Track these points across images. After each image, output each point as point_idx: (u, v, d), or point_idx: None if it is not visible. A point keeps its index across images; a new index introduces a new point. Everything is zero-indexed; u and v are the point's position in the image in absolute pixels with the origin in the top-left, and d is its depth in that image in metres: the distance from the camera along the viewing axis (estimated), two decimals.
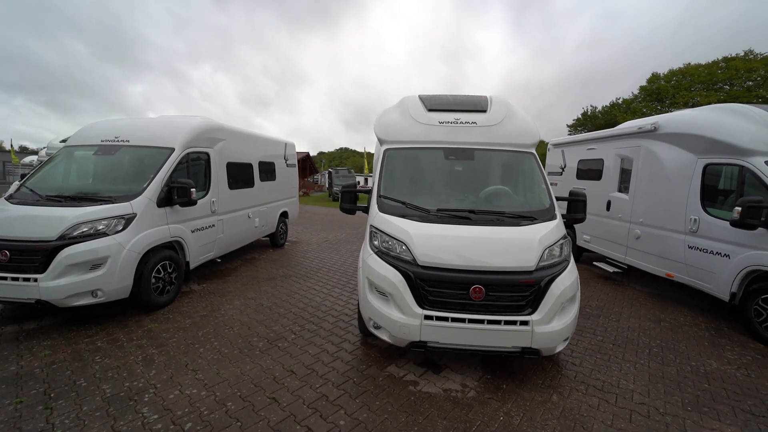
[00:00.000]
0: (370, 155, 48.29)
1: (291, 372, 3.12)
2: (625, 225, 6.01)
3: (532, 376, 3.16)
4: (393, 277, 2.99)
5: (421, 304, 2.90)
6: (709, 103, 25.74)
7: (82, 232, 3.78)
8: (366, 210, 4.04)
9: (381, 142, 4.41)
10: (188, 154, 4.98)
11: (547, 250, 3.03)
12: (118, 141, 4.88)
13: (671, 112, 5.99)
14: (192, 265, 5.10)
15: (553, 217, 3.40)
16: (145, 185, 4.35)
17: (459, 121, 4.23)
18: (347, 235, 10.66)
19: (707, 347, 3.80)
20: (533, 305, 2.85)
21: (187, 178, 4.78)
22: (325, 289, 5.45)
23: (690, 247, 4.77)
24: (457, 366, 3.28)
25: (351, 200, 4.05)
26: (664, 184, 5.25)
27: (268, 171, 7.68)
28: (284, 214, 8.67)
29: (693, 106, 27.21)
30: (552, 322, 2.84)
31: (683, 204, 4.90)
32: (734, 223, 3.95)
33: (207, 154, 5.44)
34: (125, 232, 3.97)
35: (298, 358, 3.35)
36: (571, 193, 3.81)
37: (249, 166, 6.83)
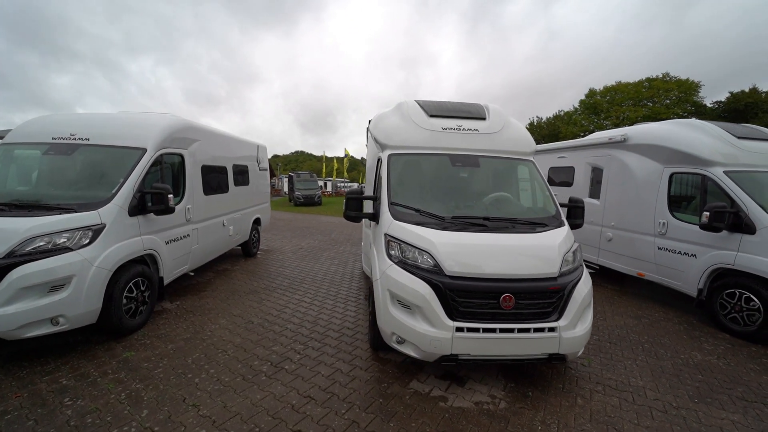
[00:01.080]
0: (329, 159, 47.67)
1: (309, 398, 2.84)
2: (597, 228, 6.47)
3: (552, 381, 3.21)
4: (421, 288, 2.86)
5: (451, 315, 2.81)
6: (637, 117, 29.14)
7: (37, 247, 3.15)
8: (372, 217, 3.86)
9: (382, 147, 4.26)
10: (162, 155, 4.41)
11: (565, 257, 3.10)
12: (75, 139, 4.17)
13: (606, 123, 6.59)
14: (166, 281, 4.51)
15: (561, 224, 3.51)
16: (114, 191, 3.75)
17: (461, 128, 4.23)
18: (320, 242, 10.28)
19: (687, 340, 4.16)
20: (560, 311, 2.89)
21: (162, 183, 4.23)
22: (317, 301, 5.14)
23: (659, 249, 5.24)
24: (479, 376, 3.23)
25: (357, 207, 3.84)
26: (633, 191, 5.73)
27: (241, 175, 7.13)
28: (257, 221, 8.12)
29: (624, 119, 30.64)
30: (576, 327, 2.90)
31: (652, 209, 5.39)
32: (703, 227, 4.40)
33: (181, 155, 4.87)
34: (93, 246, 3.38)
35: (311, 382, 3.07)
36: (570, 200, 3.97)
37: (223, 169, 6.28)
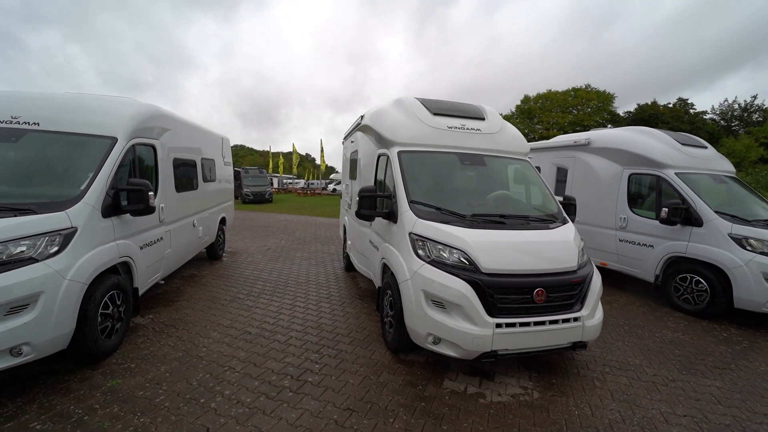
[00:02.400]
0: (276, 155, 45.32)
1: (350, 410, 2.66)
2: None
3: (567, 367, 3.43)
4: (461, 287, 2.85)
5: (490, 312, 2.84)
6: (564, 123, 32.62)
7: None
8: (387, 216, 3.75)
9: (389, 143, 4.16)
10: (133, 146, 3.76)
11: (580, 250, 3.33)
12: (19, 123, 3.35)
13: (538, 127, 7.35)
14: (141, 292, 3.88)
15: (566, 221, 3.76)
16: (83, 188, 3.11)
17: (465, 127, 4.31)
18: (287, 241, 9.76)
19: (653, 320, 4.77)
20: (582, 302, 3.10)
21: (138, 178, 3.61)
22: (311, 305, 4.85)
23: (621, 241, 5.92)
24: (503, 369, 3.33)
25: (371, 206, 3.70)
26: (596, 189, 6.38)
27: (209, 170, 6.43)
28: (223, 221, 7.41)
29: (553, 124, 34.02)
30: (595, 316, 3.14)
31: (613, 205, 6.05)
32: (662, 221, 5.06)
33: (153, 147, 4.22)
34: (63, 255, 2.76)
35: (344, 393, 2.88)
36: (564, 198, 4.27)
37: (193, 163, 5.59)
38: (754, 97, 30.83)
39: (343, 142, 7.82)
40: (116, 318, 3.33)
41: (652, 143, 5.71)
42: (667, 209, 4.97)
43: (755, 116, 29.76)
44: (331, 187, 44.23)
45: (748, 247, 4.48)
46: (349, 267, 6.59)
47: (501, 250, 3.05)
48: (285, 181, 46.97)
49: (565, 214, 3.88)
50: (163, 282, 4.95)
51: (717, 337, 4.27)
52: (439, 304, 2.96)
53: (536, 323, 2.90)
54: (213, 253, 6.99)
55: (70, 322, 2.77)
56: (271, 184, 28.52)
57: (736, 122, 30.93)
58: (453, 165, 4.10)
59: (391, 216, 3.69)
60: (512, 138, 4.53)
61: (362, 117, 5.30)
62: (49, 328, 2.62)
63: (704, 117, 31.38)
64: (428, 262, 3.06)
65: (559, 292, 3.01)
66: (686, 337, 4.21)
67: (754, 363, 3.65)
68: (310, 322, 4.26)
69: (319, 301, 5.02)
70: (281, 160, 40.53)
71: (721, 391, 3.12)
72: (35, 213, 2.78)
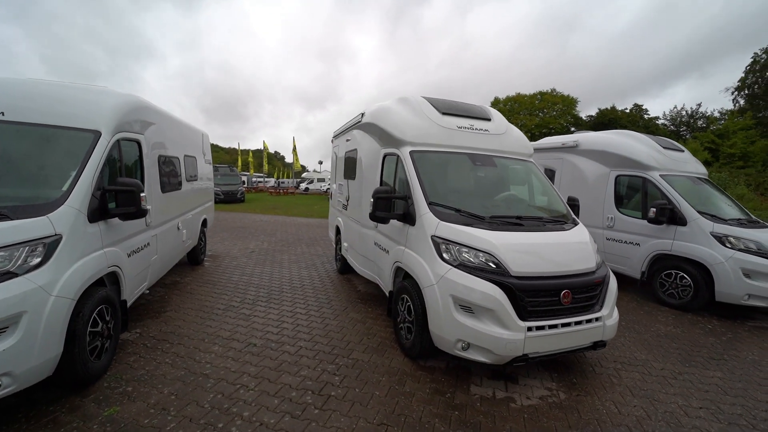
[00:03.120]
0: (244, 152, 43.42)
1: (384, 425, 2.51)
2: None
3: (583, 365, 3.49)
4: (493, 291, 2.78)
5: (521, 316, 2.80)
6: (532, 125, 34.07)
7: None
8: (403, 218, 3.62)
9: (398, 142, 4.04)
10: (118, 141, 3.35)
11: (596, 251, 3.39)
12: None
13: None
14: (129, 304, 3.48)
15: (575, 221, 3.83)
16: (65, 188, 2.70)
17: (474, 128, 4.28)
18: (269, 243, 9.34)
19: (644, 315, 5.01)
20: (602, 302, 3.15)
21: (127, 177, 3.22)
22: (312, 311, 4.62)
23: (608, 239, 6.19)
24: (524, 371, 3.32)
25: (387, 207, 3.56)
26: (584, 190, 6.61)
27: (192, 168, 5.95)
28: (204, 223, 6.92)
29: (521, 127, 35.39)
30: (613, 315, 3.20)
31: (601, 205, 6.31)
32: (650, 220, 5.34)
33: (138, 142, 3.79)
34: (48, 268, 2.37)
35: (372, 406, 2.72)
36: (569, 199, 4.36)
37: (177, 161, 5.14)
38: (699, 105, 34.03)
39: (333, 141, 7.57)
40: (105, 336, 2.94)
41: (638, 146, 6.01)
42: (655, 209, 5.24)
43: (700, 122, 32.84)
44: (303, 186, 43.25)
45: (728, 245, 4.82)
46: (344, 269, 6.39)
47: (527, 252, 3.03)
48: (254, 180, 45.33)
49: (573, 215, 3.95)
50: (147, 292, 4.50)
51: (703, 329, 4.55)
52: (467, 308, 2.89)
53: (563, 325, 2.90)
54: (195, 257, 6.49)
55: (57, 344, 2.39)
56: (243, 182, 27.36)
57: (684, 128, 33.93)
58: (466, 166, 4.05)
59: (408, 218, 3.56)
60: (518, 139, 4.56)
61: (362, 115, 5.12)
62: (34, 354, 2.23)
63: (657, 122, 34.07)
64: (455, 266, 2.97)
65: (582, 293, 3.04)
66: (678, 331, 4.45)
67: (743, 353, 3.92)
68: (316, 330, 4.04)
69: (320, 306, 4.79)
70: (251, 157, 39.03)
71: (724, 381, 3.30)
72: (9, 219, 2.37)
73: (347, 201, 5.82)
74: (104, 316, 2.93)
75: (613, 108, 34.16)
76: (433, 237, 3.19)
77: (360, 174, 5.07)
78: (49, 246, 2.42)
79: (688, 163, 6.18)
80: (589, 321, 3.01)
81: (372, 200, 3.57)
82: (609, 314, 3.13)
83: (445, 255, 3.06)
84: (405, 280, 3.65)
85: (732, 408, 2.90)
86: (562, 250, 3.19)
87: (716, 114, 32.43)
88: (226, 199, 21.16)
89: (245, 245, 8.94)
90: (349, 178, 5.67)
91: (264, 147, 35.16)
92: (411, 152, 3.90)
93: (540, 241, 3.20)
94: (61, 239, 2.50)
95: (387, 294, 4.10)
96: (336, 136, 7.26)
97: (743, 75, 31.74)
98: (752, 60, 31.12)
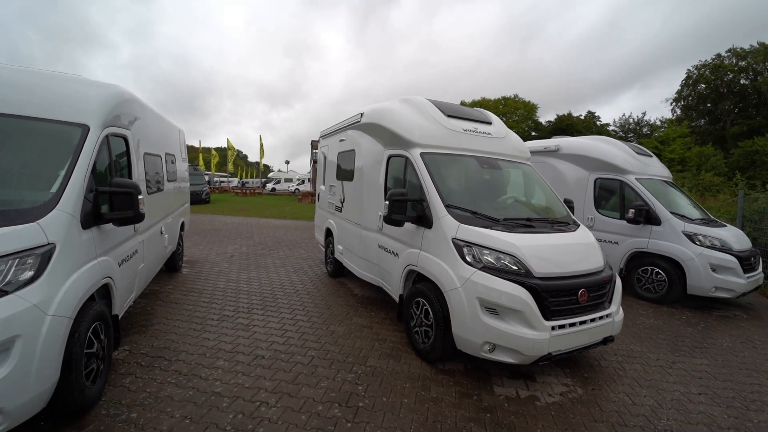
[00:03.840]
0: (207, 150, 41.13)
1: None
2: None
3: (588, 360, 3.65)
4: (520, 292, 2.83)
5: (545, 316, 2.87)
6: None
7: None
8: (418, 221, 3.58)
9: (407, 144, 4.01)
10: (107, 137, 2.99)
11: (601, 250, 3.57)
12: None
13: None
14: (119, 318, 3.11)
15: (576, 222, 4.01)
16: (54, 189, 2.35)
17: (477, 131, 4.36)
18: (248, 247, 8.90)
19: (626, 309, 5.25)
20: (610, 299, 3.32)
21: (122, 178, 2.88)
22: (315, 317, 4.44)
23: None
24: (539, 369, 3.41)
25: (403, 210, 3.50)
26: (565, 192, 6.95)
27: (172, 168, 5.50)
28: (182, 226, 6.43)
29: None
30: (619, 310, 3.38)
31: (581, 206, 6.68)
32: (629, 221, 5.74)
33: (125, 139, 3.42)
34: (42, 283, 2.05)
35: (404, 415, 2.65)
36: (564, 200, 4.56)
37: (159, 159, 4.71)
38: (644, 113, 37.54)
39: (321, 140, 7.36)
40: (100, 357, 2.60)
41: (615, 151, 6.44)
42: (633, 210, 5.65)
43: (645, 129, 36.20)
44: (270, 186, 41.84)
45: (697, 242, 5.30)
46: (336, 273, 6.22)
47: (547, 253, 3.11)
48: (217, 179, 43.15)
49: (573, 217, 4.14)
50: (132, 304, 4.06)
51: (680, 320, 4.97)
52: (492, 310, 2.90)
53: (581, 323, 3.02)
54: (173, 263, 5.99)
55: (54, 372, 2.07)
56: (208, 182, 25.91)
57: (632, 134, 37.16)
58: (474, 168, 4.09)
59: (423, 221, 3.53)
60: (517, 142, 4.70)
61: (361, 115, 5.02)
62: (29, 385, 1.91)
63: (608, 129, 36.99)
64: (480, 269, 2.98)
65: (595, 291, 3.18)
66: (660, 323, 4.82)
67: (718, 340, 4.32)
68: (323, 337, 3.88)
69: (321, 313, 4.62)
70: (214, 156, 37.11)
71: (711, 367, 3.62)
72: None
73: (342, 203, 5.67)
74: (99, 335, 2.59)
75: (570, 114, 36.65)
76: (454, 240, 3.18)
77: (360, 175, 4.95)
78: (43, 257, 2.09)
79: (656, 167, 6.73)
80: (601, 318, 3.15)
81: (387, 203, 3.49)
82: (616, 311, 3.31)
83: (468, 258, 3.06)
84: (420, 283, 3.61)
85: (724, 392, 3.18)
86: (575, 251, 3.32)
87: (658, 122, 35.94)
88: (191, 199, 19.89)
89: (223, 249, 8.44)
90: (345, 180, 5.53)
91: (228, 145, 33.56)
92: (422, 154, 3.88)
93: (554, 242, 3.30)
94: (55, 249, 2.17)
95: (396, 298, 4.04)
96: (324, 137, 7.07)
97: (680, 88, 35.45)
98: (686, 75, 34.87)
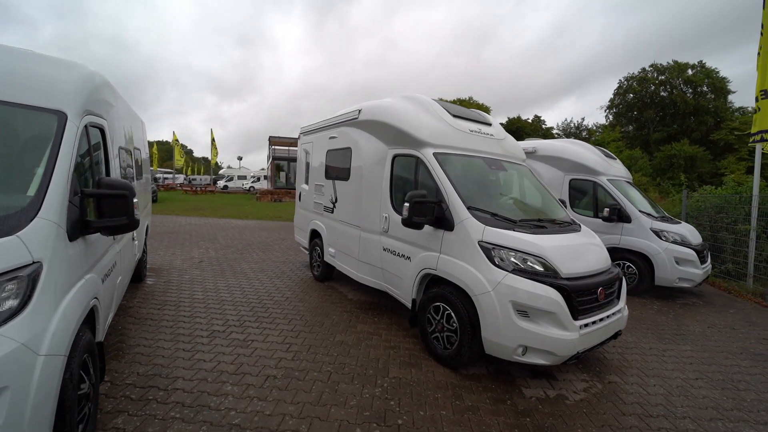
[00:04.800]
0: (149, 144, 37.30)
1: None
2: None
3: (596, 354, 3.81)
4: (553, 294, 2.84)
5: (574, 315, 2.92)
6: None
7: None
8: (435, 223, 3.46)
9: (417, 143, 3.90)
10: (86, 128, 2.47)
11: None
12: None
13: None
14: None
15: (576, 222, 4.17)
16: (32, 192, 1.86)
17: (481, 132, 4.37)
18: (215, 250, 8.19)
19: None
20: (619, 295, 3.48)
21: (112, 177, 2.39)
22: (317, 328, 4.15)
23: None
24: (555, 367, 3.47)
25: (423, 212, 3.37)
26: None
27: (138, 163, 4.80)
28: (146, 230, 5.67)
29: None
30: (625, 307, 3.57)
31: None
32: (604, 219, 6.16)
33: (102, 130, 2.86)
34: (30, 314, 1.59)
35: (449, 428, 2.53)
36: (559, 200, 4.74)
37: (130, 154, 4.06)
38: (583, 118, 41.24)
39: (301, 137, 6.95)
40: (90, 397, 2.13)
41: (588, 154, 6.89)
42: (608, 209, 6.08)
43: (584, 134, 39.81)
44: (221, 183, 39.24)
45: (663, 238, 5.85)
46: (324, 277, 5.92)
47: (570, 254, 3.17)
48: (160, 176, 39.50)
49: (572, 217, 4.30)
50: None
51: (653, 309, 5.44)
52: (523, 313, 2.89)
53: (600, 320, 3.12)
54: (138, 273, 5.25)
55: (47, 424, 1.62)
56: (154, 179, 23.52)
57: (573, 137, 40.60)
58: (483, 169, 4.08)
59: (443, 223, 3.42)
60: (515, 144, 4.79)
61: (359, 111, 4.77)
62: None
63: (552, 132, 40.08)
64: (510, 272, 2.94)
65: (609, 288, 3.31)
66: (638, 313, 5.23)
67: (690, 327, 4.79)
68: (332, 348, 3.62)
69: (321, 321, 4.33)
70: (155, 150, 33.86)
71: (695, 353, 3.98)
72: None
73: (334, 203, 5.38)
74: (88, 369, 2.12)
75: (519, 117, 39.06)
76: (480, 243, 3.11)
77: (358, 175, 4.71)
78: (28, 280, 1.63)
79: (620, 169, 7.31)
80: (614, 314, 3.30)
81: (407, 205, 3.33)
82: (624, 307, 3.49)
83: (497, 261, 3.02)
84: (438, 287, 3.50)
85: (715, 375, 3.50)
86: (589, 250, 3.44)
87: (594, 127, 39.70)
88: None
89: (188, 254, 7.64)
90: (339, 179, 5.25)
91: (174, 139, 30.77)
92: (435, 154, 3.77)
93: (570, 242, 3.39)
94: (42, 269, 1.70)
95: (407, 303, 3.90)
96: (306, 133, 6.67)
97: (612, 96, 39.50)
98: (618, 85, 38.96)
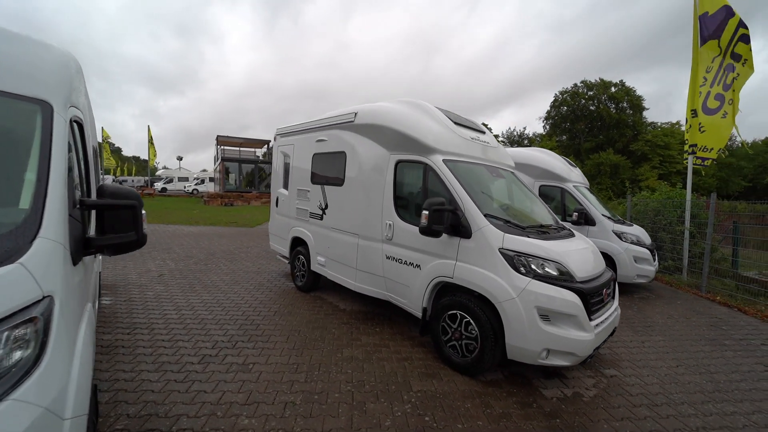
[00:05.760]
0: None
1: None
2: None
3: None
4: (573, 297, 2.97)
5: (589, 316, 3.07)
6: None
7: None
8: (450, 231, 3.44)
9: (426, 150, 3.90)
10: (72, 122, 2.02)
11: None
12: None
13: None
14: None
15: (568, 227, 4.44)
16: (26, 204, 1.45)
17: (480, 140, 4.47)
18: (174, 261, 7.39)
19: None
20: (614, 295, 3.75)
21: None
22: (318, 343, 3.89)
23: None
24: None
25: (442, 220, 3.32)
26: None
27: (97, 163, 4.10)
28: None
29: None
30: (618, 305, 3.86)
31: None
32: (574, 223, 6.66)
33: (81, 124, 2.37)
34: (48, 367, 1.22)
35: None
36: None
37: (96, 153, 3.45)
38: (525, 128, 44.71)
39: (278, 138, 6.53)
40: None
41: (555, 161, 7.42)
42: (577, 213, 6.59)
43: (525, 142, 43.19)
44: (159, 185, 35.73)
45: (623, 239, 6.48)
46: (310, 287, 5.61)
47: (578, 258, 3.34)
48: None
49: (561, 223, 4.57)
50: None
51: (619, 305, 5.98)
52: (545, 317, 2.97)
53: (605, 319, 3.33)
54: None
55: None
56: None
57: (516, 145, 43.84)
58: (487, 176, 4.16)
59: (460, 231, 3.40)
60: (505, 152, 4.98)
61: (355, 114, 4.60)
62: None
63: (498, 140, 42.82)
64: (533, 278, 3.01)
65: (608, 288, 3.55)
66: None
67: (654, 319, 5.34)
68: (344, 365, 3.41)
69: (322, 336, 4.07)
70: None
71: (666, 342, 4.44)
72: None
73: (323, 210, 5.12)
74: (91, 417, 1.71)
75: None
76: (501, 250, 3.15)
77: (355, 181, 4.53)
78: (42, 322, 1.25)
79: (579, 176, 8.00)
80: (612, 312, 3.55)
81: (427, 213, 3.25)
82: (617, 306, 3.77)
83: (520, 268, 3.07)
84: (452, 295, 3.47)
85: (690, 361, 3.93)
86: (590, 254, 3.66)
87: (533, 136, 43.28)
88: None
89: (142, 267, 6.77)
90: (330, 184, 5.00)
91: (104, 135, 27.26)
92: (444, 161, 3.75)
93: (575, 247, 3.58)
94: (54, 305, 1.33)
95: (417, 312, 3.82)
96: (285, 135, 6.30)
97: (549, 108, 43.48)
98: (554, 98, 43.01)
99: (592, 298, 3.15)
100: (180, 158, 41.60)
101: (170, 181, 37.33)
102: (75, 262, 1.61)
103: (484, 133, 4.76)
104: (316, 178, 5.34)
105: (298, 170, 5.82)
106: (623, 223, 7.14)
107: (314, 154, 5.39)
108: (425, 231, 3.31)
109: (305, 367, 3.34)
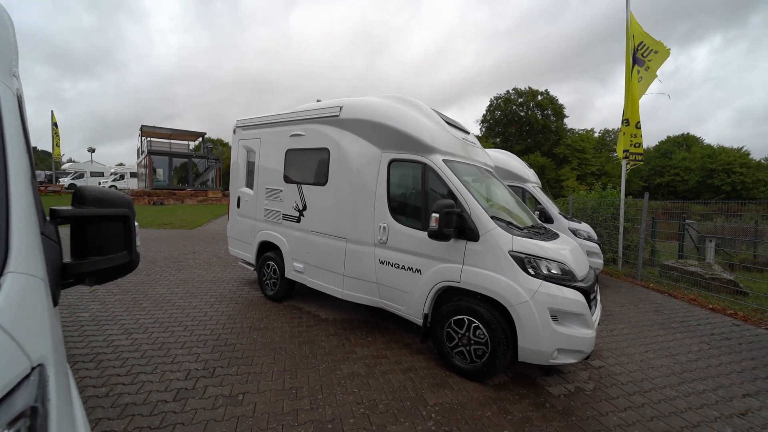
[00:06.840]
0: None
1: None
2: None
3: None
4: (580, 297, 3.06)
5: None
6: None
7: None
8: (460, 234, 3.33)
9: (426, 149, 3.78)
10: (19, 99, 1.45)
11: None
12: None
13: None
14: None
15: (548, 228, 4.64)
16: None
17: (468, 140, 4.48)
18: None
19: None
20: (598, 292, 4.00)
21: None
22: (311, 360, 3.53)
23: None
24: None
25: (452, 223, 3.19)
26: None
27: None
28: None
29: None
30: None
31: None
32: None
33: (20, 98, 1.73)
34: None
35: None
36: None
37: (33, 151, 2.61)
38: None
39: (239, 131, 5.85)
40: None
41: (516, 163, 7.84)
42: (539, 212, 7.02)
43: None
44: (66, 181, 30.49)
45: (578, 235, 7.07)
46: (284, 296, 5.13)
47: (574, 258, 3.46)
48: None
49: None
50: None
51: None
52: (554, 318, 3.02)
53: (597, 314, 3.52)
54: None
55: None
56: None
57: None
58: (480, 177, 4.13)
59: (467, 234, 3.30)
60: (485, 152, 5.04)
61: (340, 108, 4.26)
62: None
63: None
64: (544, 279, 3.03)
65: (597, 285, 3.77)
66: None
67: (610, 308, 5.90)
68: (349, 384, 3.12)
69: (312, 353, 3.70)
70: None
71: (629, 330, 4.90)
72: None
73: (301, 211, 4.69)
74: None
75: None
76: (511, 252, 3.12)
77: (342, 181, 4.20)
78: (33, 411, 0.80)
79: (533, 176, 8.56)
80: (597, 307, 3.77)
81: (437, 215, 3.09)
82: (599, 299, 4.03)
83: (530, 269, 3.07)
84: (460, 299, 3.37)
85: (654, 346, 4.37)
86: (580, 253, 3.83)
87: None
88: None
89: None
90: (309, 183, 4.59)
91: (53, 127, 22.19)
92: (444, 161, 3.63)
93: (567, 247, 3.71)
94: (47, 378, 0.87)
95: (417, 319, 3.65)
96: (248, 127, 5.66)
97: (485, 112, 46.55)
98: (490, 103, 46.18)
99: (590, 295, 3.29)
100: (92, 150, 35.81)
101: (80, 176, 31.96)
102: (56, 302, 1.12)
103: (468, 133, 4.76)
104: (290, 177, 4.86)
105: (266, 167, 5.25)
106: (573, 220, 7.80)
107: (288, 150, 4.90)
108: (435, 235, 3.15)
109: (305, 391, 2.96)
